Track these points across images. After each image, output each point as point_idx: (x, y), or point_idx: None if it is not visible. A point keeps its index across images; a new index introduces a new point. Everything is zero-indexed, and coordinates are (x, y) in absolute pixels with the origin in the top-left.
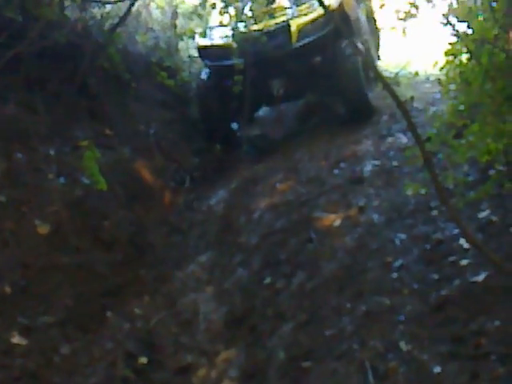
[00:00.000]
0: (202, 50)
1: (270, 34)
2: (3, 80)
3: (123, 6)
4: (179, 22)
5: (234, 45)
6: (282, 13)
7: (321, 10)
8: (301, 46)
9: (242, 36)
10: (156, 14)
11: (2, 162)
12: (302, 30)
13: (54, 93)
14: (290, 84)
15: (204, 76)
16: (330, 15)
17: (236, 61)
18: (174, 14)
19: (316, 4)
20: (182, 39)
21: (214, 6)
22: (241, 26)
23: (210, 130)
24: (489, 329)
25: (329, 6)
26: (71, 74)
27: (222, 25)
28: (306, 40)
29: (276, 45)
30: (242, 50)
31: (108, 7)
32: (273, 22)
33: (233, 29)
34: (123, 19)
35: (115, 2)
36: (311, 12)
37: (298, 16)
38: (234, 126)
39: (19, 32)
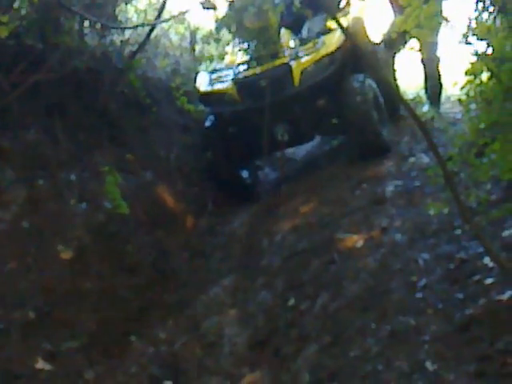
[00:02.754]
0: (204, 95)
1: (270, 77)
2: (24, 107)
3: (142, 33)
4: (198, 46)
5: (235, 89)
6: (285, 53)
7: (325, 50)
8: (304, 89)
9: (243, 80)
10: (175, 39)
11: (24, 189)
12: (305, 72)
13: (75, 119)
14: (295, 128)
15: (208, 123)
16: (334, 55)
17: (238, 106)
18: (193, 39)
19: (320, 43)
20: (201, 63)
21: (230, 30)
22: (242, 68)
23: (218, 180)
24: None
25: (337, 41)
26: (91, 101)
27: (223, 68)
28: (309, 82)
29: (277, 88)
30: (243, 94)
31: (127, 33)
32: (275, 63)
33: (234, 73)
34: (143, 45)
35: (134, 28)
36: (315, 51)
37: (302, 56)
38: (244, 173)
39: (39, 59)
